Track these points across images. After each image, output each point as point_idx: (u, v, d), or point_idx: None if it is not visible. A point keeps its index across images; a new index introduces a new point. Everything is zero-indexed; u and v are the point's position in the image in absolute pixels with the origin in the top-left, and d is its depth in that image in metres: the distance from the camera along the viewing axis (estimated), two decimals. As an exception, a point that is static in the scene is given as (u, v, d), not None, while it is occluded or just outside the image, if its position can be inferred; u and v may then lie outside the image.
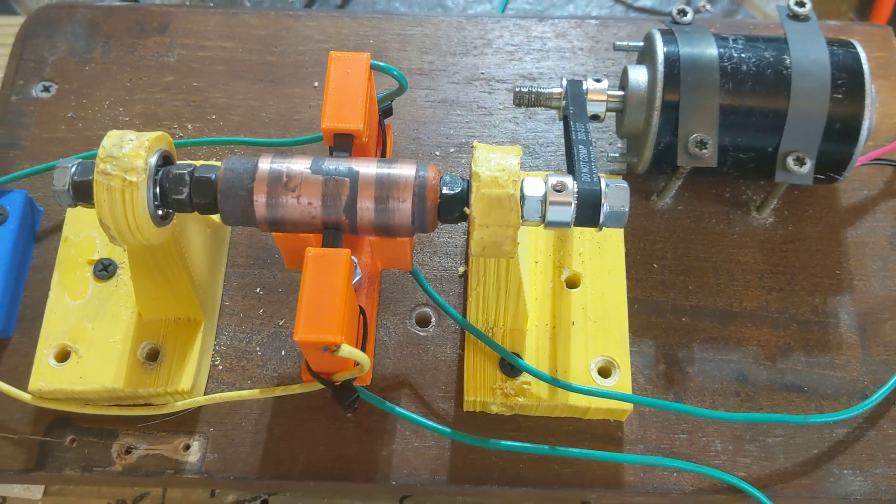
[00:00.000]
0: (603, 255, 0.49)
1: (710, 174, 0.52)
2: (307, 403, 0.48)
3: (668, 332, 0.51)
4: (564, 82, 0.50)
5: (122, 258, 0.49)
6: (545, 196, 0.39)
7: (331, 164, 0.40)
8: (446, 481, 0.47)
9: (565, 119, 0.49)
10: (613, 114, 0.53)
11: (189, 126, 0.56)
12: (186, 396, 0.46)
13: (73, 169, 0.40)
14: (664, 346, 0.50)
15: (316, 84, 0.58)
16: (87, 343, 0.47)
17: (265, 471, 0.47)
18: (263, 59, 0.59)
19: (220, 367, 0.49)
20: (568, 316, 0.48)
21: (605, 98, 0.50)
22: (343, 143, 0.42)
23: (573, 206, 0.39)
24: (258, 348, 0.50)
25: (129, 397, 0.47)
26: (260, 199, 0.39)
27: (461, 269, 0.52)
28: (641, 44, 0.53)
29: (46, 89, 0.58)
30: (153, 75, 0.58)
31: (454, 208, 0.40)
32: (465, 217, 0.40)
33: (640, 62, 0.53)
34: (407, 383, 0.49)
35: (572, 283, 0.49)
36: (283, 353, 0.50)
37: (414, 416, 0.46)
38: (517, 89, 0.51)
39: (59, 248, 0.50)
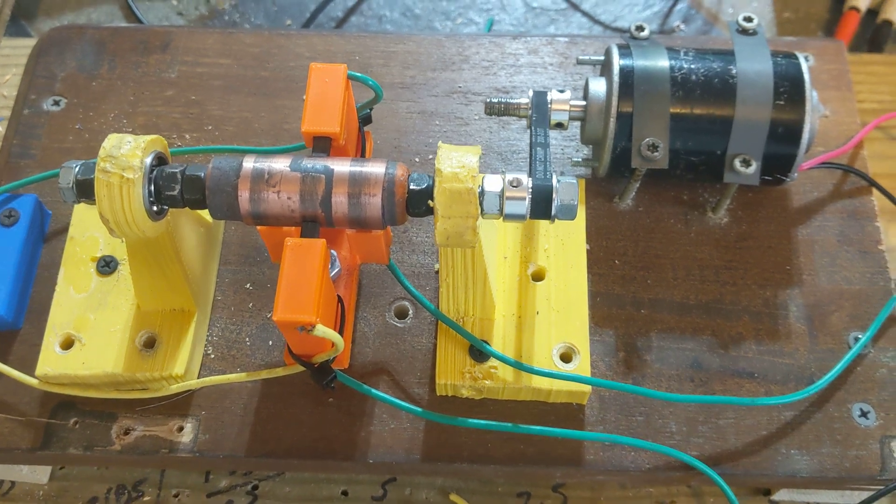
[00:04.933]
0: (566, 250, 0.53)
1: (667, 177, 0.56)
2: (292, 389, 0.52)
3: (628, 322, 0.54)
4: (531, 93, 0.55)
5: (123, 255, 0.53)
6: (502, 191, 0.43)
7: (308, 163, 0.44)
8: (420, 459, 0.50)
9: (530, 127, 0.54)
10: (578, 123, 0.57)
11: (187, 136, 0.61)
12: (180, 380, 0.51)
13: (77, 169, 0.44)
14: (624, 335, 0.54)
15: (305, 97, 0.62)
16: (90, 332, 0.51)
17: (252, 450, 0.51)
18: (257, 75, 0.64)
19: (213, 356, 0.53)
20: (533, 306, 0.52)
21: (567, 107, 0.55)
22: (322, 145, 0.46)
23: (528, 200, 0.43)
24: (247, 339, 0.54)
25: (128, 382, 0.51)
26: (244, 195, 0.43)
27: (437, 266, 0.56)
28: (602, 58, 0.57)
29: (56, 103, 0.62)
30: (155, 90, 0.63)
31: (420, 202, 0.44)
32: (430, 210, 0.44)
33: (601, 75, 0.57)
34: (385, 370, 0.53)
35: (538, 277, 0.53)
36: (270, 343, 0.54)
37: (388, 397, 0.49)
38: (488, 100, 0.56)
39: (65, 246, 0.54)
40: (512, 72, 0.64)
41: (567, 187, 0.44)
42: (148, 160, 0.44)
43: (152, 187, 0.44)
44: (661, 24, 0.88)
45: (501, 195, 0.43)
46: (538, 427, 0.49)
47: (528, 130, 0.56)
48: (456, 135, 0.61)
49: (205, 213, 0.54)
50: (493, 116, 0.59)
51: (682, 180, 0.57)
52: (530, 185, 0.44)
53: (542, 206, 0.44)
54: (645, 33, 0.56)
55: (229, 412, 0.52)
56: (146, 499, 0.59)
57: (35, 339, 0.54)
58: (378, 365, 0.53)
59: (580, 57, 0.57)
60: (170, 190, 0.44)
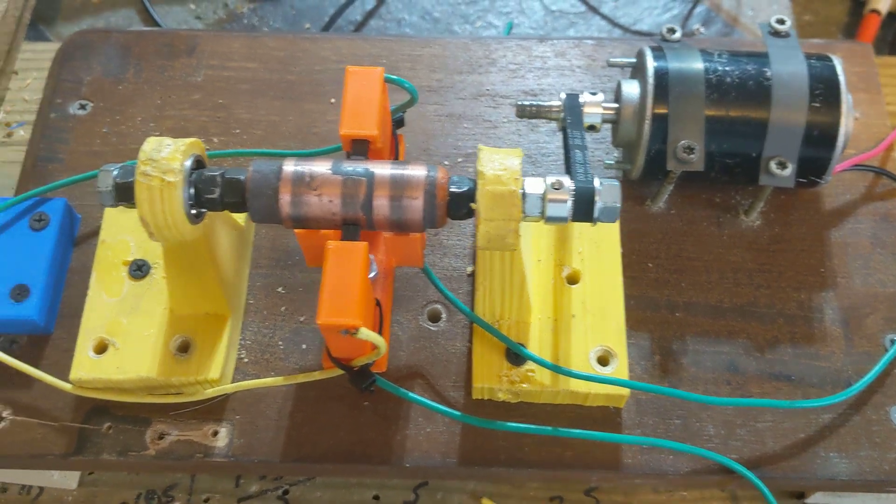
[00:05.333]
0: (601, 253, 0.53)
1: (700, 180, 0.56)
2: (327, 393, 0.52)
3: (662, 325, 0.54)
4: (563, 96, 0.55)
5: (155, 259, 0.53)
6: (545, 193, 0.43)
7: (349, 166, 0.44)
8: (456, 463, 0.50)
9: (564, 129, 0.53)
10: (609, 125, 0.57)
11: (215, 139, 0.61)
12: (215, 385, 0.50)
13: (115, 172, 0.44)
14: (659, 338, 0.54)
15: (332, 100, 0.62)
16: (123, 336, 0.51)
17: (288, 454, 0.50)
18: (283, 79, 0.63)
19: (246, 360, 0.53)
20: (568, 309, 0.51)
21: (600, 110, 0.54)
22: (360, 148, 0.46)
23: (570, 202, 0.43)
24: (280, 343, 0.54)
25: (162, 386, 0.50)
26: (285, 198, 0.43)
27: (469, 269, 0.56)
28: (633, 60, 0.57)
29: (83, 107, 0.62)
30: (181, 94, 0.63)
31: (461, 205, 0.44)
32: (471, 213, 0.44)
33: (632, 77, 0.57)
34: (419, 374, 0.52)
35: (572, 280, 0.52)
36: (303, 346, 0.53)
37: (427, 401, 0.49)
38: (519, 103, 0.55)
39: (96, 250, 0.54)
40: (539, 74, 0.63)
41: (609, 189, 0.43)
42: (188, 163, 0.43)
43: (192, 190, 0.44)
44: (681, 27, 0.88)
45: (543, 197, 0.43)
46: (578, 430, 0.48)
47: (561, 133, 0.56)
48: (485, 137, 0.61)
49: (237, 217, 0.54)
50: (523, 119, 0.59)
51: (714, 183, 0.57)
52: (572, 187, 0.43)
53: (584, 208, 0.43)
54: (676, 35, 0.56)
55: (264, 416, 0.51)
56: (176, 504, 0.59)
57: (67, 343, 0.53)
58: (412, 369, 0.53)
59: (611, 59, 0.57)
60: (209, 193, 0.44)
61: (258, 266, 0.56)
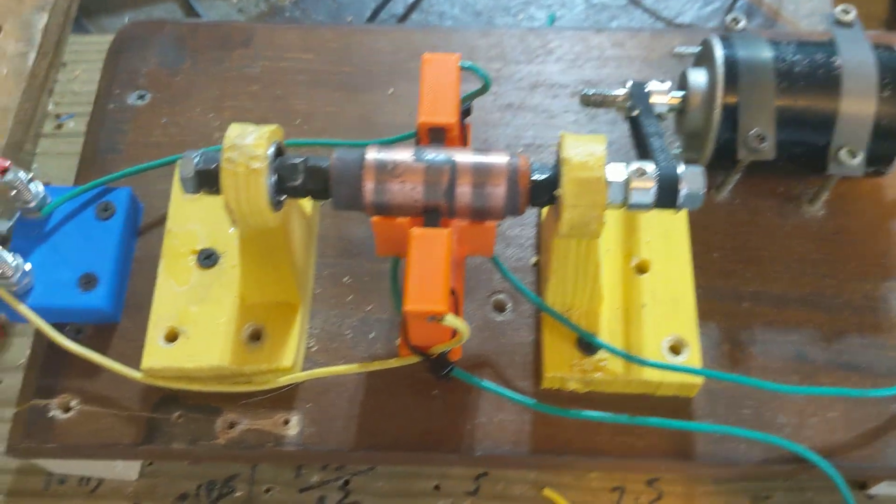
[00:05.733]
0: (669, 242, 0.53)
1: (764, 170, 0.56)
2: (396, 381, 0.52)
3: (730, 315, 0.54)
4: (629, 84, 0.54)
5: (223, 248, 0.53)
6: (628, 180, 0.43)
7: (431, 154, 0.44)
8: (528, 452, 0.50)
9: (633, 118, 0.53)
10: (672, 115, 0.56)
11: (275, 130, 0.61)
12: (288, 373, 0.50)
13: (197, 159, 0.44)
14: (727, 328, 0.54)
15: (391, 91, 0.62)
16: (194, 325, 0.51)
17: (359, 443, 0.50)
18: (339, 70, 0.63)
19: (315, 349, 0.53)
20: (639, 299, 0.51)
21: (667, 98, 0.54)
22: (437, 136, 0.46)
23: (654, 188, 0.43)
24: (349, 332, 0.54)
25: (234, 375, 0.50)
26: (368, 185, 0.43)
27: (533, 260, 0.56)
28: (699, 49, 0.57)
29: (141, 98, 0.62)
30: (239, 85, 0.63)
31: (543, 192, 0.44)
32: (552, 200, 0.44)
33: (696, 66, 0.57)
34: (487, 364, 0.52)
35: (641, 269, 0.52)
36: (371, 335, 0.53)
37: (501, 388, 0.49)
38: (584, 92, 0.55)
39: (163, 239, 0.54)
40: (597, 65, 0.63)
41: (693, 175, 0.43)
42: (271, 150, 0.43)
43: (274, 177, 0.44)
44: (723, 21, 0.88)
45: (627, 184, 0.43)
46: (655, 419, 0.48)
47: (627, 122, 0.56)
48: (544, 127, 0.61)
49: (305, 205, 0.54)
50: (582, 109, 0.59)
51: (779, 172, 0.57)
52: (655, 173, 0.43)
53: (668, 194, 0.43)
54: (741, 26, 0.56)
55: (334, 405, 0.51)
56: (237, 494, 0.59)
57: (133, 333, 0.54)
58: (479, 359, 0.53)
59: (677, 49, 0.57)
60: (292, 180, 0.44)
61: (324, 256, 0.56)
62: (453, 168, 0.43)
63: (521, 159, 0.44)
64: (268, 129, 0.44)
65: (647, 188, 0.43)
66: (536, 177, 0.44)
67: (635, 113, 0.55)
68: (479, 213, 0.44)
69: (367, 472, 0.59)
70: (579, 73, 0.63)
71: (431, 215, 0.44)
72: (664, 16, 0.87)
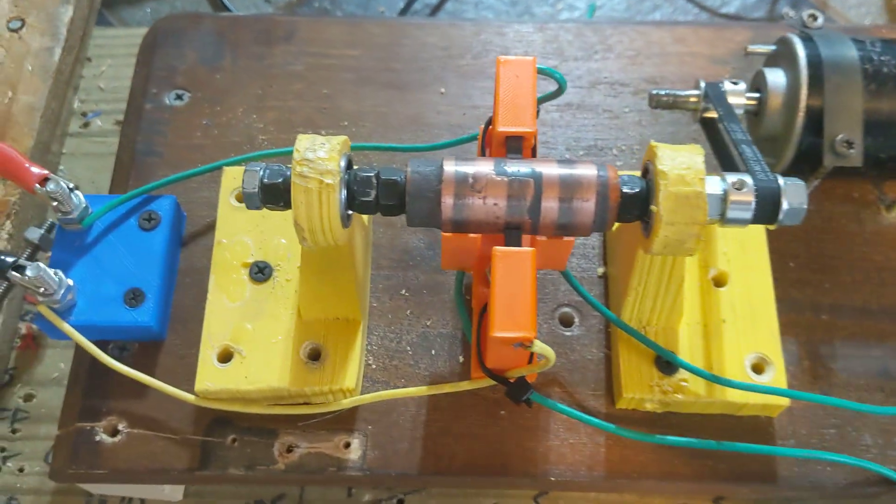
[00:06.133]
0: (747, 253, 0.50)
1: (840, 175, 0.53)
2: (461, 401, 0.49)
3: (809, 329, 0.51)
4: (703, 85, 0.52)
5: (277, 261, 0.50)
6: (726, 194, 0.40)
7: (513, 166, 0.41)
8: (604, 476, 0.48)
9: (707, 120, 0.50)
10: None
11: (323, 132, 0.57)
12: (350, 395, 0.47)
13: (262, 172, 0.41)
14: (806, 342, 0.51)
15: (442, 91, 0.59)
16: (249, 343, 0.48)
17: (425, 467, 0.48)
18: (388, 67, 0.60)
19: (374, 367, 0.50)
20: (718, 314, 0.49)
21: (743, 100, 0.51)
22: (515, 146, 0.43)
23: (753, 203, 0.40)
24: (408, 348, 0.51)
25: (293, 396, 0.48)
26: (447, 201, 0.40)
27: (600, 270, 0.53)
28: (774, 47, 0.54)
29: (179, 97, 0.59)
30: (283, 83, 0.59)
31: (634, 206, 0.41)
32: (643, 216, 0.41)
33: (769, 65, 0.54)
34: (557, 382, 0.50)
35: (719, 282, 0.50)
36: (433, 352, 0.51)
37: (580, 414, 0.46)
38: (654, 92, 0.52)
39: (212, 251, 0.51)
40: (659, 61, 0.60)
41: (795, 189, 0.41)
42: (342, 163, 0.40)
43: (345, 192, 0.41)
44: (769, 12, 0.85)
45: (725, 199, 0.40)
46: (743, 444, 0.46)
47: (701, 125, 0.53)
48: (605, 128, 0.58)
49: (364, 216, 0.51)
50: (647, 108, 0.56)
51: (858, 178, 0.54)
52: (754, 186, 0.41)
53: (768, 209, 0.40)
54: (819, 22, 0.53)
55: (397, 426, 0.49)
56: (287, 515, 0.56)
57: (180, 349, 0.51)
58: (548, 376, 0.50)
59: (750, 47, 0.54)
60: (364, 195, 0.41)
61: (379, 267, 0.53)
62: (538, 182, 0.40)
63: (611, 171, 0.41)
64: (339, 141, 0.40)
65: (746, 202, 0.40)
66: (627, 190, 0.41)
67: (709, 115, 0.52)
68: (565, 230, 0.41)
69: (420, 491, 0.56)
70: (640, 71, 0.60)
71: (513, 232, 0.41)
72: (708, 5, 0.84)
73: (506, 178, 0.40)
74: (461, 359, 0.51)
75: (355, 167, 0.42)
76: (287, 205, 0.41)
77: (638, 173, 0.53)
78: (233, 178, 0.53)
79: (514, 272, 0.39)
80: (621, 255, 0.49)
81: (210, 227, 0.54)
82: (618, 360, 0.48)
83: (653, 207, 0.40)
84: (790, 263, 0.53)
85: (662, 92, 0.52)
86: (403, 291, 0.52)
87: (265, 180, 0.41)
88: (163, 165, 0.56)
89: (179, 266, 0.53)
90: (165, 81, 0.59)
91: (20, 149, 0.62)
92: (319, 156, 0.39)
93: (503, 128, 0.43)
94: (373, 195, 0.41)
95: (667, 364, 0.47)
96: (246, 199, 0.41)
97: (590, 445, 0.48)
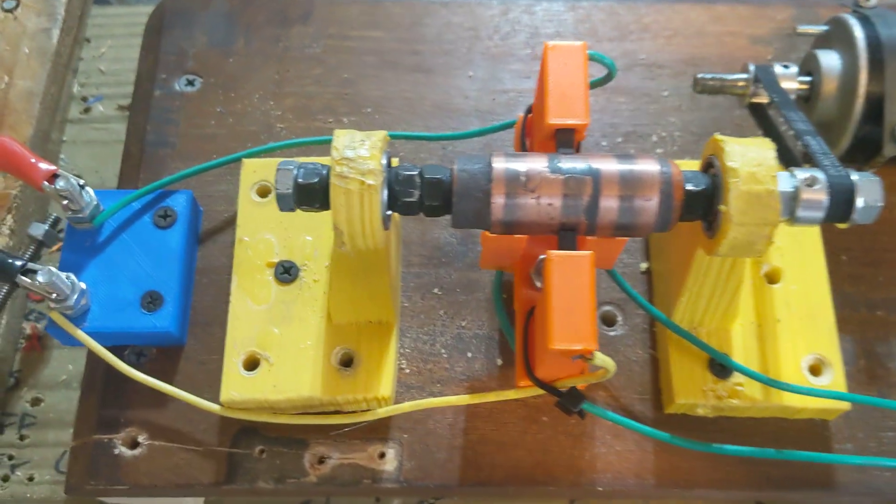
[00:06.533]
0: (801, 247, 0.48)
1: (894, 163, 0.50)
2: (501, 406, 0.47)
3: (863, 325, 0.49)
4: (752, 68, 0.49)
5: (303, 259, 0.47)
6: (796, 191, 0.37)
7: (569, 162, 0.38)
8: (654, 485, 0.45)
9: (757, 106, 0.48)
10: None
11: (345, 120, 0.54)
12: (386, 403, 0.45)
13: (296, 171, 0.38)
14: (862, 340, 0.49)
15: (470, 74, 0.56)
16: (277, 349, 0.45)
17: (466, 478, 0.45)
18: (412, 49, 0.57)
19: (407, 371, 0.48)
20: (772, 312, 0.46)
21: (795, 85, 0.49)
22: (566, 139, 0.40)
23: (826, 201, 0.37)
24: (443, 350, 0.48)
25: (324, 405, 0.45)
26: (498, 201, 0.37)
27: (644, 266, 0.50)
28: (825, 27, 0.51)
29: (191, 83, 0.55)
30: (301, 67, 0.56)
31: (697, 206, 0.38)
32: (707, 216, 0.38)
33: (819, 47, 0.51)
34: (601, 385, 0.47)
35: (772, 278, 0.47)
36: (469, 354, 0.48)
37: (636, 423, 0.43)
38: (699, 76, 0.49)
39: (234, 250, 0.48)
40: (698, 42, 0.57)
41: (870, 185, 0.38)
42: (384, 162, 0.37)
43: (386, 191, 0.38)
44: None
45: (795, 196, 0.37)
46: (805, 453, 0.43)
47: (750, 111, 0.50)
48: (643, 114, 0.55)
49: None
50: (687, 92, 0.53)
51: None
52: (826, 182, 0.38)
53: (842, 207, 0.38)
54: (873, 2, 0.50)
55: (434, 434, 0.46)
56: (314, 523, 0.54)
57: (201, 354, 0.48)
58: (591, 378, 0.47)
59: (800, 27, 0.51)
60: (407, 196, 0.38)
61: (409, 264, 0.50)
62: (597, 179, 0.37)
63: (674, 167, 0.38)
64: (379, 138, 0.37)
65: (818, 201, 0.37)
66: (691, 187, 0.38)
67: (757, 100, 0.49)
68: (624, 230, 0.38)
69: (453, 496, 0.54)
70: (678, 52, 0.57)
71: (568, 234, 0.38)
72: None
73: (561, 176, 0.37)
74: (499, 361, 0.48)
75: (394, 164, 0.39)
76: (323, 206, 0.38)
77: (687, 164, 0.50)
78: (252, 170, 0.49)
79: (571, 278, 0.36)
80: (671, 252, 0.46)
81: (228, 223, 0.51)
82: (668, 364, 0.45)
83: (721, 207, 0.37)
84: (842, 257, 0.51)
85: (709, 76, 0.49)
86: (436, 290, 0.50)
87: (300, 180, 0.37)
88: (175, 157, 0.53)
89: (197, 265, 0.50)
90: (175, 66, 0.56)
91: (19, 138, 0.58)
92: (360, 154, 0.36)
93: (554, 120, 0.39)
94: (416, 195, 0.38)
95: (721, 367, 0.45)
96: (279, 200, 0.38)
97: (637, 452, 0.46)
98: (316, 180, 0.37)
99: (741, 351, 0.45)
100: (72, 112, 0.66)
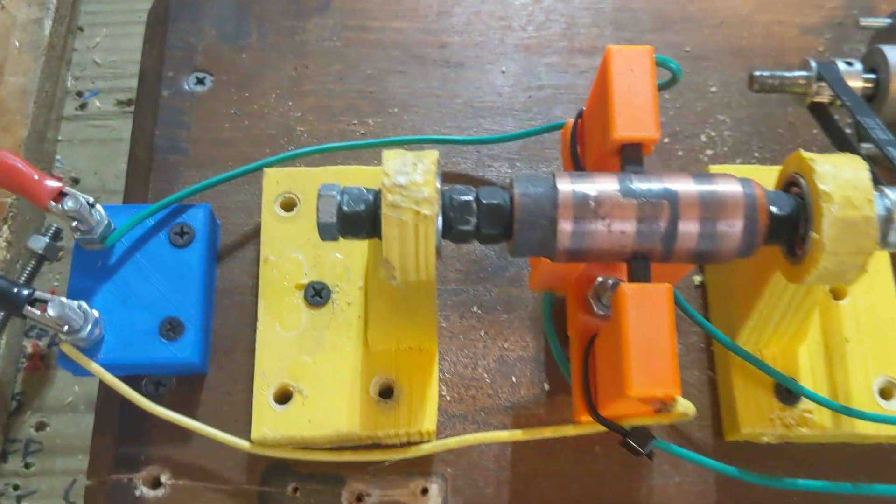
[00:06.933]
0: (869, 261, 0.44)
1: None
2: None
3: (931, 341, 0.46)
4: (814, 65, 0.45)
5: (335, 280, 0.43)
6: (889, 214, 0.34)
7: (642, 183, 0.34)
8: (716, 520, 0.42)
9: (819, 106, 0.44)
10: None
11: (370, 121, 0.50)
12: (429, 437, 0.41)
13: (340, 198, 0.34)
14: (930, 357, 0.46)
15: (503, 70, 0.52)
16: (311, 381, 0.42)
17: (516, 515, 0.42)
18: (441, 41, 0.52)
19: (448, 398, 0.44)
20: (840, 332, 0.43)
21: (860, 83, 0.45)
22: (633, 155, 0.36)
23: (923, 224, 0.34)
24: (485, 374, 0.45)
25: (362, 439, 0.41)
26: (565, 228, 0.34)
27: (698, 279, 0.47)
28: (890, 20, 0.47)
29: (200, 81, 0.51)
30: (320, 63, 0.51)
31: (782, 231, 0.35)
32: (792, 240, 0.35)
33: (881, 41, 0.47)
34: (656, 409, 0.44)
35: (838, 295, 0.44)
36: (513, 379, 0.45)
37: (705, 459, 0.40)
38: (756, 74, 0.46)
39: (259, 270, 0.44)
40: (745, 32, 0.53)
41: (971, 207, 0.34)
42: (438, 186, 0.33)
43: (440, 218, 0.34)
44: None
45: (889, 219, 0.34)
46: (884, 486, 0.41)
47: (811, 112, 0.46)
48: (690, 111, 0.51)
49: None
50: (740, 90, 0.50)
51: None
52: (922, 204, 0.34)
53: (940, 231, 0.34)
54: (943, -11, 0.46)
55: (479, 467, 0.43)
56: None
57: (225, 384, 0.44)
58: (645, 402, 0.44)
59: (864, 20, 0.47)
60: (464, 224, 0.34)
61: (445, 281, 0.47)
62: (674, 203, 0.34)
63: (757, 187, 0.34)
64: (432, 160, 0.33)
65: (915, 225, 0.34)
66: (775, 210, 0.34)
67: (819, 99, 0.46)
68: (703, 258, 0.35)
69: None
70: (725, 43, 0.53)
71: (641, 263, 0.34)
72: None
73: (635, 200, 0.34)
74: (546, 386, 0.45)
75: (446, 186, 0.35)
76: (370, 235, 0.34)
77: (742, 169, 0.47)
78: (275, 181, 0.45)
79: (649, 315, 0.33)
80: (735, 270, 0.43)
81: (249, 237, 0.47)
82: (731, 390, 0.42)
83: (812, 234, 0.33)
84: (906, 266, 0.48)
85: (766, 73, 0.46)
86: (475, 308, 0.46)
87: (345, 208, 0.34)
88: (188, 164, 0.49)
89: (217, 285, 0.46)
90: (182, 62, 0.51)
91: (14, 140, 0.54)
92: (414, 180, 0.32)
93: (622, 133, 0.36)
94: (473, 223, 0.34)
95: (788, 393, 0.42)
96: (321, 229, 0.34)
97: (698, 484, 0.43)
98: (362, 208, 0.34)
99: (809, 374, 0.42)
100: (67, 108, 0.61)
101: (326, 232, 0.34)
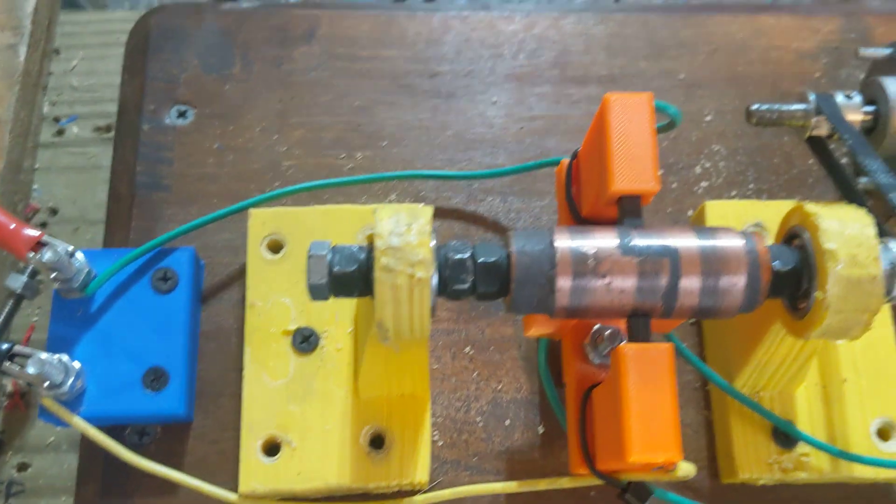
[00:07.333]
0: (867, 299, 0.44)
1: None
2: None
3: (928, 378, 0.46)
4: (812, 98, 0.44)
5: (324, 326, 0.42)
6: (894, 268, 0.33)
7: (642, 240, 0.33)
8: (716, 565, 0.42)
9: (817, 140, 0.43)
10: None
11: (358, 155, 0.49)
12: (422, 488, 0.40)
13: (331, 257, 0.33)
14: (926, 395, 0.45)
15: (494, 100, 0.51)
16: (299, 431, 0.40)
17: (512, 565, 0.41)
18: (431, 70, 0.51)
19: (440, 443, 0.43)
20: (838, 372, 0.43)
21: (860, 116, 0.44)
22: (631, 207, 0.35)
23: (930, 279, 0.33)
24: (479, 418, 0.44)
25: (353, 490, 0.40)
26: (564, 286, 0.33)
27: (693, 316, 0.46)
28: (890, 50, 0.46)
29: (182, 115, 0.49)
30: (307, 94, 0.50)
31: (785, 287, 0.34)
32: (793, 296, 0.34)
33: (879, 71, 0.47)
34: (653, 452, 0.43)
35: (837, 334, 0.43)
36: (506, 422, 0.44)
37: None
38: (754, 107, 0.45)
39: (245, 316, 0.43)
40: (740, 58, 0.52)
41: (975, 259, 0.34)
42: (433, 245, 0.32)
43: (436, 278, 0.33)
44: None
45: (894, 274, 0.33)
46: (884, 536, 0.40)
47: (809, 146, 0.46)
48: (684, 141, 0.50)
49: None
50: (734, 120, 0.49)
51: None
52: (927, 257, 0.34)
53: (946, 285, 0.34)
54: (940, 20, 0.46)
55: (474, 517, 0.42)
56: None
57: (211, 433, 0.43)
58: (641, 445, 0.43)
59: (863, 50, 0.46)
60: (459, 283, 0.33)
61: (437, 320, 0.46)
62: (675, 260, 0.33)
63: (758, 241, 0.34)
64: (426, 219, 0.32)
65: (922, 280, 0.33)
66: (778, 266, 0.33)
67: (818, 133, 0.45)
68: (704, 314, 0.34)
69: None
70: (720, 69, 0.52)
71: (641, 321, 0.34)
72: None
73: (635, 258, 0.33)
74: (541, 429, 0.44)
75: (439, 243, 0.34)
76: (363, 293, 0.33)
77: (735, 204, 0.46)
78: (261, 222, 0.44)
79: (650, 376, 0.32)
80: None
81: (234, 278, 0.46)
82: (728, 433, 0.42)
83: (817, 294, 0.32)
84: (903, 301, 0.47)
85: (765, 107, 0.45)
86: (468, 349, 0.45)
87: (336, 269, 0.32)
88: (171, 202, 0.47)
89: (201, 328, 0.45)
90: (164, 94, 0.50)
91: (-12, 173, 0.52)
92: (409, 241, 0.31)
93: (620, 185, 0.35)
94: (469, 282, 0.33)
95: (785, 436, 0.41)
96: (311, 290, 0.33)
97: (698, 529, 0.42)
98: (354, 268, 0.32)
99: (806, 416, 0.42)
100: (44, 135, 0.59)
101: (318, 293, 0.33)
